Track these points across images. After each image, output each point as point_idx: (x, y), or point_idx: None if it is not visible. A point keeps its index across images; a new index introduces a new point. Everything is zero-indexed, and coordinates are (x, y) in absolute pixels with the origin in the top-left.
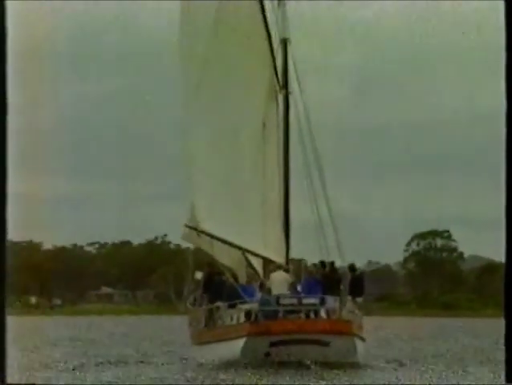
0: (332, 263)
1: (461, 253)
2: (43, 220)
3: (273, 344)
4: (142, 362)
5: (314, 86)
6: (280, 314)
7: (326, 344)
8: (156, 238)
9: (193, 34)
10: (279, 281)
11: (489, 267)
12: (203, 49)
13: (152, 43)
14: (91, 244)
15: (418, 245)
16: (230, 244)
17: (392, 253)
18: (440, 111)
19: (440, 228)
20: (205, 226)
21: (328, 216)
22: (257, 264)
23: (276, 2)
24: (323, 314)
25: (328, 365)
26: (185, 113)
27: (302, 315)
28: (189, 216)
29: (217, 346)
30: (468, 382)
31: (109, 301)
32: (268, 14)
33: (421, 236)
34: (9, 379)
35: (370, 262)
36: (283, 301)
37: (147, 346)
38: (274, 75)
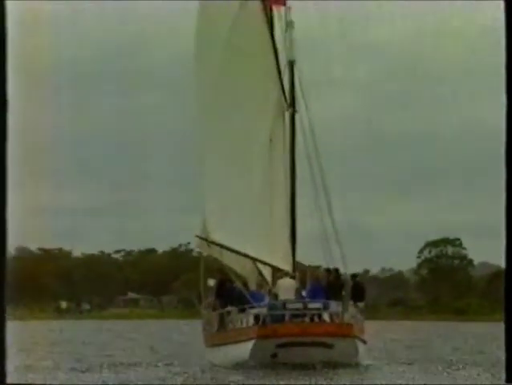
0: (336, 270)
1: (471, 261)
2: (73, 229)
3: (279, 346)
4: (158, 364)
5: (330, 100)
6: (286, 318)
7: (329, 346)
8: (180, 246)
9: (207, 54)
10: (286, 288)
11: (498, 274)
12: (216, 68)
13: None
14: (118, 251)
15: (430, 252)
16: (239, 253)
17: (404, 260)
18: (450, 125)
19: (452, 237)
20: (215, 237)
21: (332, 226)
22: (266, 271)
23: (284, 25)
24: (326, 317)
25: (332, 365)
26: (198, 129)
27: (307, 319)
28: (201, 227)
29: (227, 348)
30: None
31: (135, 306)
32: (277, 36)
33: (433, 244)
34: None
35: (383, 269)
36: (289, 305)
37: (166, 348)
38: (282, 95)
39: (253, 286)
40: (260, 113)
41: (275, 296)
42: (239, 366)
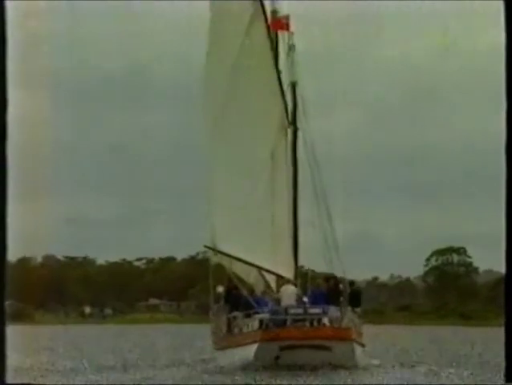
0: (335, 277)
1: (476, 268)
2: (97, 238)
3: (282, 348)
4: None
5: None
6: (288, 322)
7: (328, 349)
8: (198, 254)
9: (217, 75)
10: (288, 294)
11: (501, 281)
12: (224, 88)
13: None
14: (140, 259)
15: (437, 260)
16: (245, 262)
17: (412, 267)
18: (453, 140)
19: (457, 246)
20: (223, 247)
21: (331, 236)
22: (270, 279)
23: (287, 49)
24: (326, 321)
25: (331, 367)
26: (206, 145)
27: (308, 323)
28: (210, 236)
29: (234, 350)
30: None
31: (156, 312)
32: (281, 59)
33: (439, 252)
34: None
35: (392, 276)
36: (291, 311)
37: (180, 351)
38: (284, 113)
39: (259, 293)
40: (264, 130)
41: (278, 302)
42: (244, 367)
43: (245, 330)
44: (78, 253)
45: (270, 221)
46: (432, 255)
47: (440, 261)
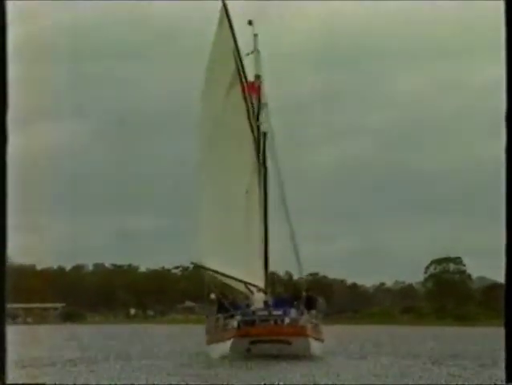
0: (294, 286)
1: (470, 275)
2: (141, 247)
3: (252, 343)
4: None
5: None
6: (257, 322)
7: (288, 343)
8: None
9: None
10: (258, 300)
11: (493, 286)
12: (208, 140)
13: None
14: (177, 267)
15: (435, 268)
16: (224, 275)
17: (414, 274)
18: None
19: (453, 256)
20: (206, 263)
21: (294, 250)
22: (247, 287)
23: (259, 106)
24: (288, 321)
25: (291, 357)
26: (196, 184)
27: (272, 322)
28: (196, 255)
29: (217, 345)
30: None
31: (191, 313)
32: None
33: (438, 261)
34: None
35: (396, 282)
36: (258, 312)
37: (185, 344)
38: (256, 158)
39: (241, 298)
40: (239, 172)
41: (247, 305)
42: (223, 358)
43: (226, 328)
44: (123, 262)
45: (245, 242)
46: (431, 264)
47: (438, 269)
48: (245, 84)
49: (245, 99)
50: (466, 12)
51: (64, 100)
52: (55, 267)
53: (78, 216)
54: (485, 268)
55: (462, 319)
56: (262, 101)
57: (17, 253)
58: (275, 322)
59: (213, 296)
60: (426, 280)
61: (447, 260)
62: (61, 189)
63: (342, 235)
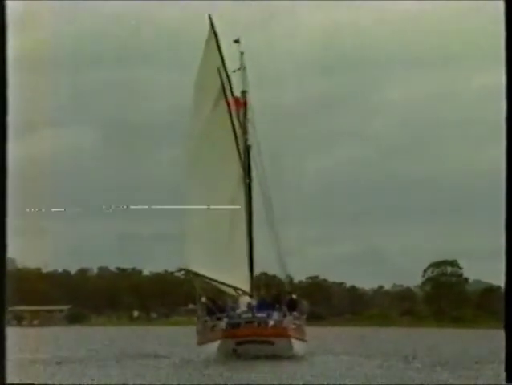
0: (277, 289)
1: (467, 279)
2: (144, 252)
3: (238, 343)
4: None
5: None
6: (242, 324)
7: (272, 343)
8: None
9: (192, 142)
10: (243, 303)
11: (488, 289)
12: (194, 152)
13: None
14: (180, 270)
15: (433, 272)
16: (211, 279)
17: (412, 277)
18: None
19: (450, 259)
20: (194, 268)
21: (278, 258)
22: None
23: (244, 120)
24: (272, 323)
25: (274, 357)
26: (184, 195)
27: (256, 324)
28: (183, 261)
29: (207, 345)
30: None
31: (194, 315)
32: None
33: (435, 265)
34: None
35: (395, 285)
36: (243, 315)
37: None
38: (241, 170)
39: (230, 301)
40: (225, 183)
41: (233, 308)
42: (211, 357)
43: (215, 330)
44: (127, 265)
45: (231, 248)
46: (428, 267)
47: (435, 273)
48: (229, 100)
49: (229, 113)
50: (465, 20)
51: (67, 107)
52: (61, 270)
53: (82, 221)
54: (481, 271)
55: (459, 321)
56: (248, 115)
57: (23, 256)
58: (259, 324)
59: (203, 299)
60: (424, 283)
61: (444, 263)
62: (65, 194)
63: (341, 239)
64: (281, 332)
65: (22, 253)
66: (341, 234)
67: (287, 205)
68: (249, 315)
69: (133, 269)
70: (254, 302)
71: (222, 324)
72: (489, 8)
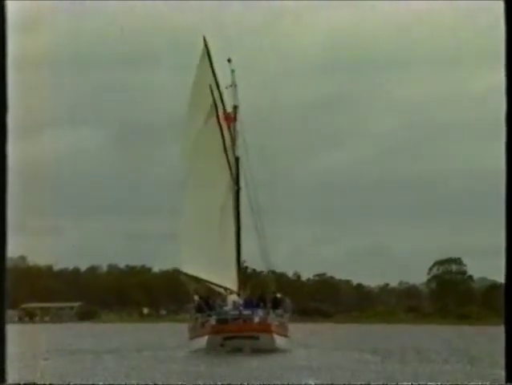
0: (262, 289)
1: (471, 276)
2: (153, 249)
3: (225, 338)
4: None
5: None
6: (229, 320)
7: (256, 338)
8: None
9: (186, 153)
10: (230, 301)
11: (493, 286)
12: (188, 162)
13: None
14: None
15: (438, 269)
16: (202, 279)
17: (418, 275)
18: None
19: (455, 257)
20: (186, 268)
21: (263, 257)
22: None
23: (232, 128)
24: (257, 320)
25: (259, 350)
26: (179, 201)
27: (242, 321)
28: (178, 262)
29: (197, 340)
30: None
31: None
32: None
33: (440, 262)
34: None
35: (401, 282)
36: (230, 312)
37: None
38: (230, 179)
39: (220, 299)
40: (215, 191)
41: (220, 306)
42: (200, 351)
43: (204, 326)
44: (137, 263)
45: (220, 251)
46: (434, 265)
47: (440, 270)
48: (220, 115)
49: (220, 127)
50: (466, 22)
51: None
52: (71, 268)
53: (92, 219)
54: (486, 269)
55: (464, 318)
56: (238, 129)
57: (34, 254)
58: (245, 321)
59: (196, 297)
60: (429, 280)
61: (449, 261)
62: (75, 193)
63: (348, 237)
64: (265, 328)
65: (33, 251)
66: (348, 232)
67: (294, 206)
68: (236, 312)
69: (142, 266)
70: (241, 301)
71: (212, 320)
72: (496, 8)
